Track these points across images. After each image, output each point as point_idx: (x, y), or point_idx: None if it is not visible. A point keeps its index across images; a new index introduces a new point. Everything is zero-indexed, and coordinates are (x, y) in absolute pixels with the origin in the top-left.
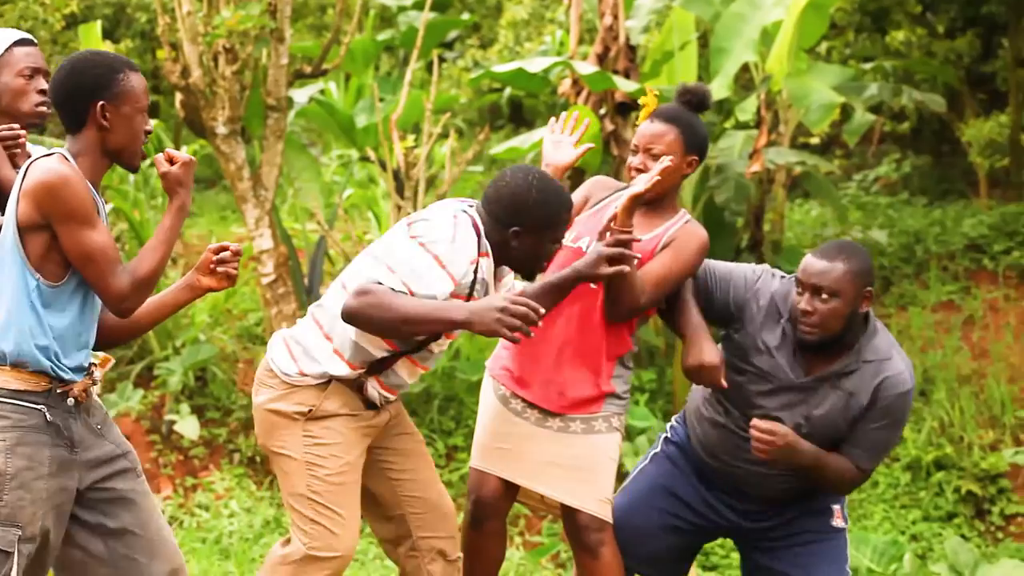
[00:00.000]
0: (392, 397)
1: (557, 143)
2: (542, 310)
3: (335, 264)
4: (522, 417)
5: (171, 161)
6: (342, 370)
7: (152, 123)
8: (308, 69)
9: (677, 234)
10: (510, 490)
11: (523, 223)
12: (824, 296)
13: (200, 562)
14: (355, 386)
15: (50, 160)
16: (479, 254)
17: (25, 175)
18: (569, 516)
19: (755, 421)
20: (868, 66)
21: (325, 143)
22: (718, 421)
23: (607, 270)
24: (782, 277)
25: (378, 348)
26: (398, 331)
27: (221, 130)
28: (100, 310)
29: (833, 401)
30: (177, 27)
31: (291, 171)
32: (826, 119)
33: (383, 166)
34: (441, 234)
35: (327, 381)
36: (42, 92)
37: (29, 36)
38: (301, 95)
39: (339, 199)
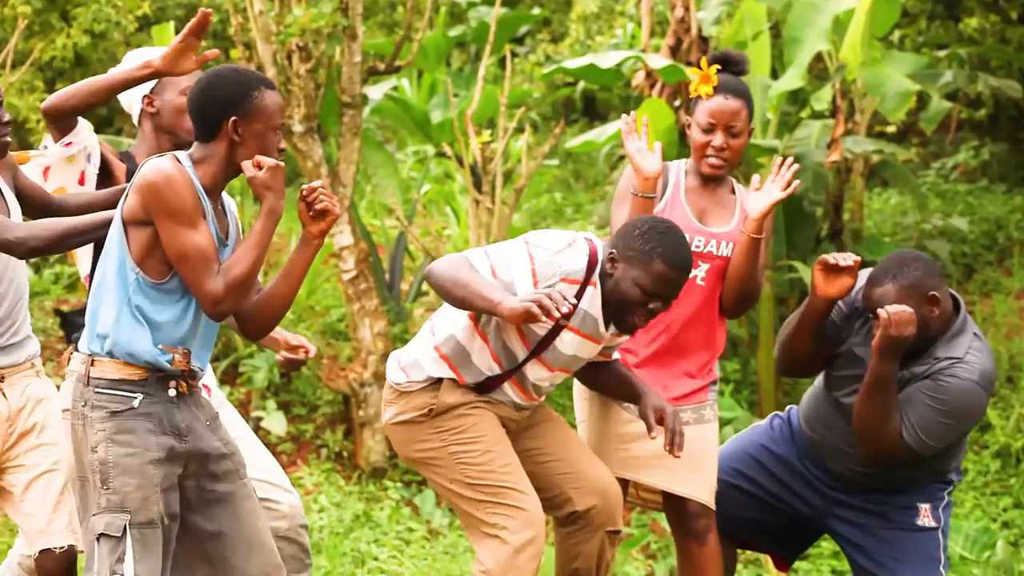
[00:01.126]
0: (525, 405)
1: (640, 150)
2: (575, 301)
3: (415, 259)
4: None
5: (259, 167)
6: (448, 374)
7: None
8: (381, 66)
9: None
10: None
11: (619, 250)
12: None
13: None
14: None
15: (161, 160)
16: (585, 281)
17: (138, 174)
18: (675, 505)
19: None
20: (942, 54)
21: (400, 140)
22: (819, 390)
23: None
24: None
25: (480, 358)
26: (449, 294)
27: (297, 128)
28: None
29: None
30: (250, 27)
31: (368, 168)
32: (902, 107)
33: (460, 161)
34: (550, 243)
35: (437, 381)
36: None
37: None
38: (375, 92)
39: (417, 195)
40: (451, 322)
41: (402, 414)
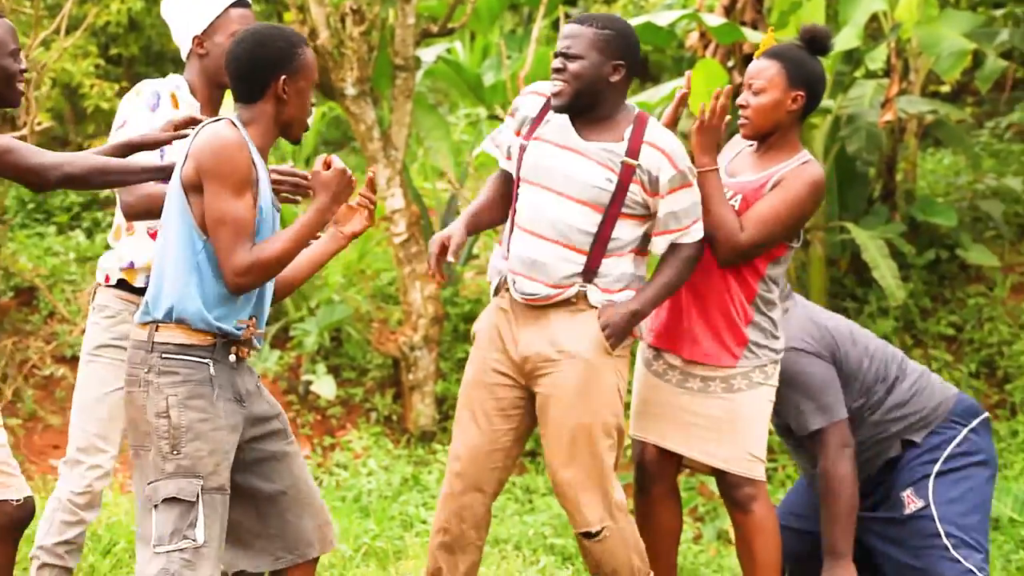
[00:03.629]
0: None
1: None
2: None
3: None
4: (664, 380)
5: (328, 166)
6: None
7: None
8: (434, 28)
9: (787, 174)
10: (672, 454)
11: None
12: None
13: (340, 520)
14: None
15: (218, 124)
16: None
17: (195, 138)
18: (720, 474)
19: None
20: (999, 12)
21: (452, 102)
22: None
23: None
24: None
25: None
26: None
27: (350, 91)
28: None
29: None
30: None
31: (420, 131)
32: (958, 66)
33: None
34: None
35: None
36: None
37: None
38: (428, 54)
39: (469, 158)
40: None
41: None
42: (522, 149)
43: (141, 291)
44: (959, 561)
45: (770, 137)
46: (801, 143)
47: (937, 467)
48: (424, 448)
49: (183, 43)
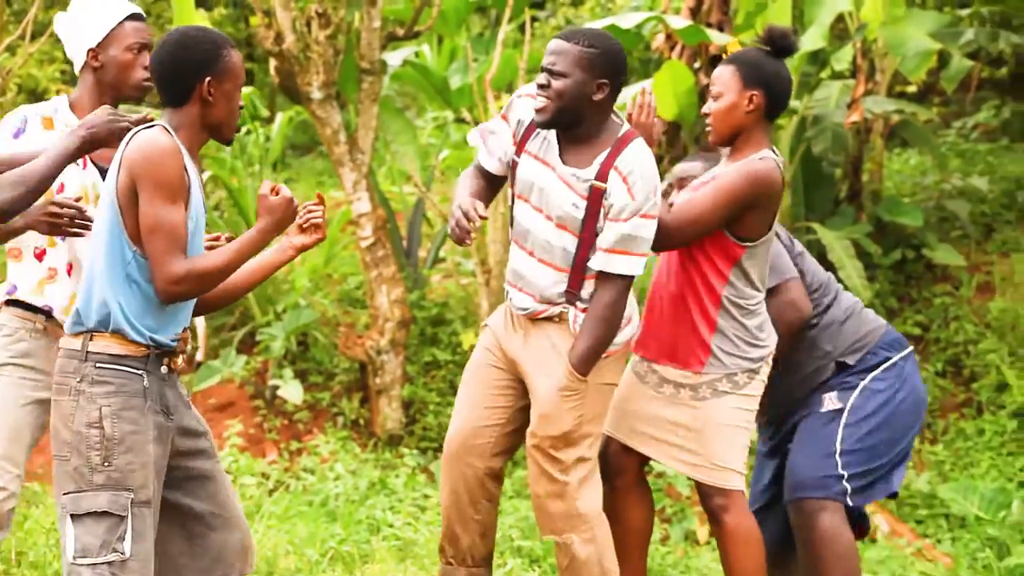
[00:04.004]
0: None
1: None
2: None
3: (433, 226)
4: (643, 382)
5: (276, 192)
6: None
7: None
8: (400, 32)
9: (730, 167)
10: (635, 453)
11: None
12: None
13: (307, 525)
14: None
15: (152, 131)
16: None
17: (127, 145)
18: (696, 481)
19: None
20: (964, 12)
21: (419, 106)
22: None
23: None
24: None
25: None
26: None
27: (316, 95)
28: None
29: None
30: None
31: (387, 134)
32: (923, 66)
33: (478, 126)
34: None
35: None
36: (147, 68)
37: (139, 10)
38: (394, 58)
39: (435, 161)
40: None
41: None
42: (514, 165)
43: (37, 308)
44: (836, 466)
45: (736, 141)
46: (769, 145)
47: (865, 382)
48: (391, 452)
49: (77, 57)
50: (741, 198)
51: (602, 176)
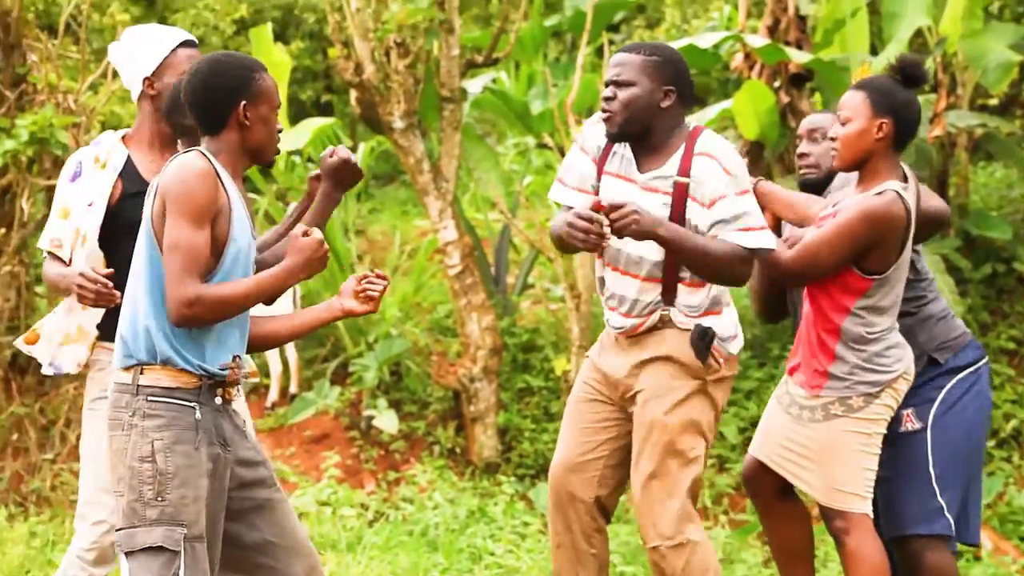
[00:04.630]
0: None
1: None
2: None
3: (520, 252)
4: (779, 402)
5: (307, 234)
6: None
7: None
8: (479, 59)
9: (850, 203)
10: (771, 470)
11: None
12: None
13: (409, 555)
14: None
15: (188, 155)
16: None
17: (163, 171)
18: (818, 503)
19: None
20: None
21: (500, 132)
22: None
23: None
24: None
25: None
26: None
27: (398, 124)
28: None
29: None
30: (347, 25)
31: (469, 161)
32: (1005, 79)
33: (561, 151)
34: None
35: None
36: None
37: (193, 38)
38: (474, 85)
39: (519, 187)
40: None
41: None
42: (596, 191)
43: None
44: (935, 495)
45: (862, 168)
46: (894, 175)
47: (942, 395)
48: (489, 480)
49: (133, 86)
50: (860, 240)
51: (683, 171)
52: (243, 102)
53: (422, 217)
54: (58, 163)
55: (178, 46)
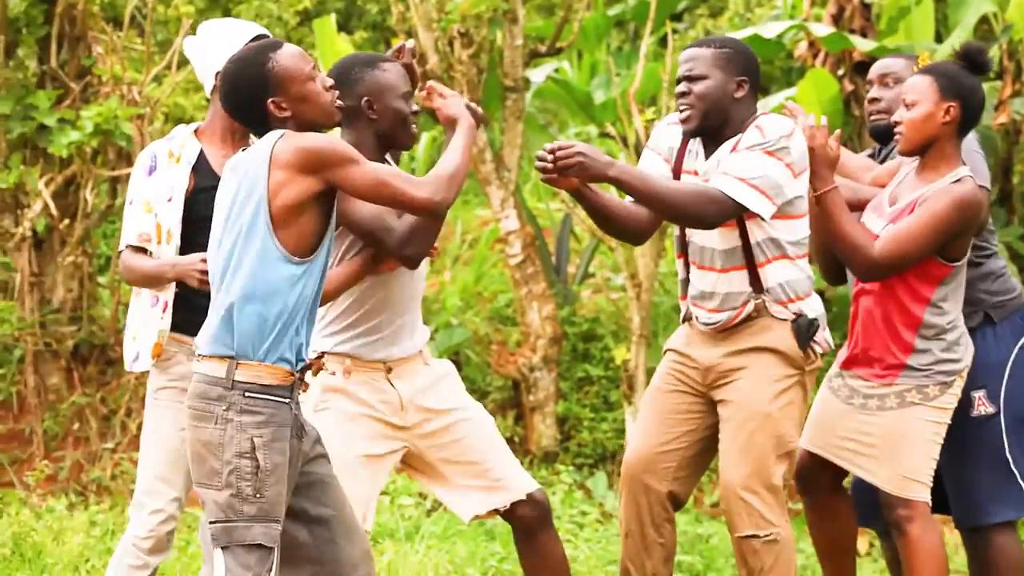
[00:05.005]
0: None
1: None
2: None
3: (581, 242)
4: (835, 394)
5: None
6: None
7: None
8: (542, 49)
9: (933, 193)
10: (827, 463)
11: None
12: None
13: (467, 544)
14: None
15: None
16: None
17: (267, 150)
18: (882, 492)
19: None
20: None
21: (561, 121)
22: None
23: None
24: None
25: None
26: None
27: None
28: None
29: None
30: (410, 15)
31: (532, 151)
32: None
33: (623, 141)
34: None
35: None
36: None
37: (265, 31)
38: (537, 75)
39: None
40: None
41: None
42: None
43: (189, 331)
44: (1015, 479)
45: (927, 152)
46: (961, 161)
47: (1008, 370)
48: (547, 469)
49: (207, 80)
50: (952, 228)
51: (737, 143)
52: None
53: (483, 207)
54: (122, 154)
55: (251, 40)
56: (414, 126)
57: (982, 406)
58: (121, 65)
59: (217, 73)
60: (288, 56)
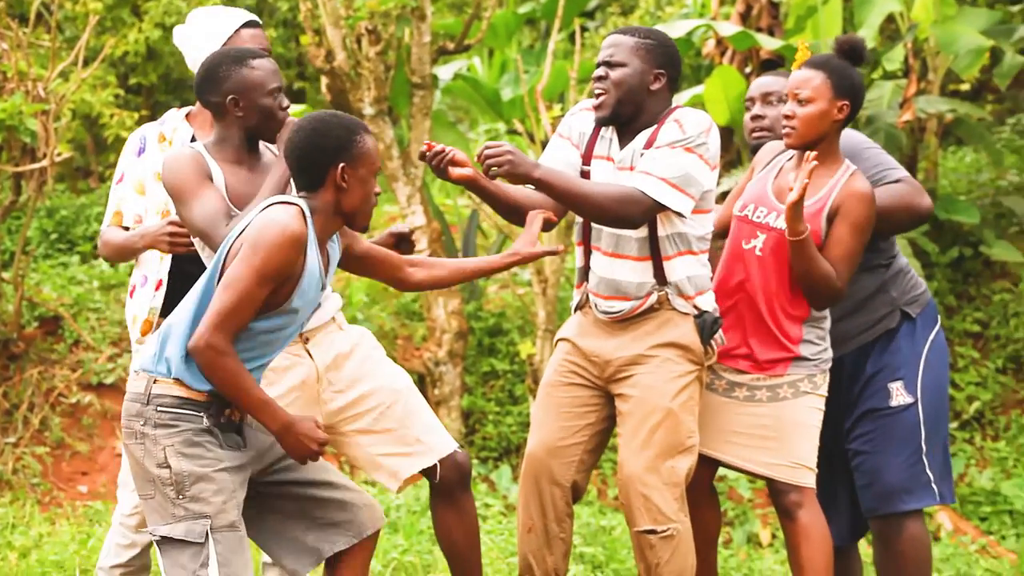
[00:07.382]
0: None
1: None
2: None
3: (488, 238)
4: (711, 390)
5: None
6: None
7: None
8: (451, 46)
9: (842, 199)
10: (707, 461)
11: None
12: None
13: None
14: None
15: (289, 213)
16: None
17: (260, 215)
18: (768, 481)
19: None
20: (1016, 8)
21: (471, 119)
22: None
23: None
24: None
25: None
26: None
27: (368, 111)
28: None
29: None
30: (319, 12)
31: None
32: (976, 64)
33: (531, 138)
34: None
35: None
36: None
37: (256, 18)
38: (445, 72)
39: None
40: None
41: None
42: (584, 175)
43: None
44: (925, 468)
45: (815, 148)
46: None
47: (923, 361)
48: None
49: (197, 67)
50: (872, 225)
51: (650, 142)
52: (342, 164)
53: (392, 202)
54: (26, 150)
55: (241, 26)
56: (281, 124)
57: (900, 395)
58: (27, 61)
59: None
60: (372, 143)
